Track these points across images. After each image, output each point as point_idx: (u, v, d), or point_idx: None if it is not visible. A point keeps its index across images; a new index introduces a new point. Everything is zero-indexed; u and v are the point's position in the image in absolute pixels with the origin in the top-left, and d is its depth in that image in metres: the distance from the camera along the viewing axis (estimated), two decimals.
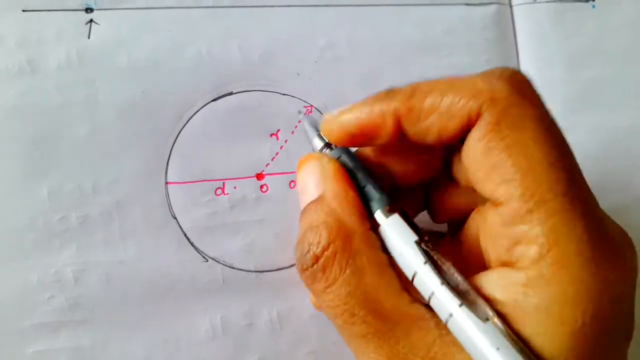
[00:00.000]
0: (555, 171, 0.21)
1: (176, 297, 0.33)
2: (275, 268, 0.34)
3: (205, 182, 0.34)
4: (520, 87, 0.22)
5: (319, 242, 0.24)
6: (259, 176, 0.34)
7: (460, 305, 0.21)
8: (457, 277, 0.22)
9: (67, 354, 0.31)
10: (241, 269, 0.33)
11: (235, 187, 0.34)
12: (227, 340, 0.33)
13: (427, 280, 0.22)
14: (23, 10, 0.33)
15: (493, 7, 0.38)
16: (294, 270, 0.34)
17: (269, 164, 0.34)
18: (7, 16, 0.32)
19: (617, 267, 0.21)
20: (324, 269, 0.24)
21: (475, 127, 0.22)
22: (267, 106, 0.35)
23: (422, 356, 0.22)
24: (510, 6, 0.39)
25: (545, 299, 0.20)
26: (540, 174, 0.21)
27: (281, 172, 0.34)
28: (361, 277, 0.23)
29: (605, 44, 0.39)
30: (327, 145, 0.28)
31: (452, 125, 0.23)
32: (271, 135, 0.35)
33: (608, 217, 0.23)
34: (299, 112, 0.34)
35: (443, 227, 0.31)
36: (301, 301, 0.34)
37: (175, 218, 0.33)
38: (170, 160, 0.33)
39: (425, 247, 0.23)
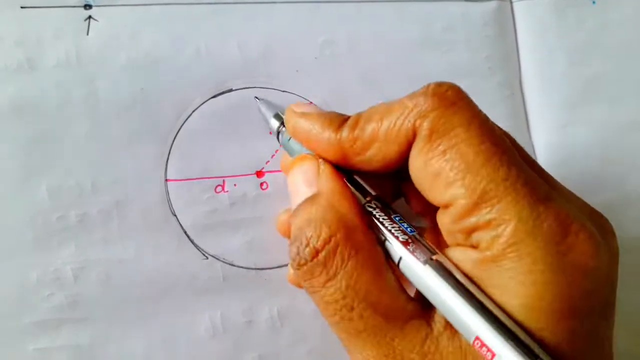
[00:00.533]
0: (492, 163, 0.22)
1: (176, 295, 0.32)
2: (275, 265, 0.34)
3: (205, 179, 0.33)
4: (445, 98, 0.23)
5: (319, 235, 0.24)
6: (259, 173, 0.34)
7: (407, 247, 0.23)
8: (406, 226, 0.24)
9: (67, 351, 0.31)
10: (241, 267, 0.33)
11: (235, 185, 0.34)
12: (227, 338, 0.33)
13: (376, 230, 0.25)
14: (21, 7, 0.32)
15: (493, 4, 0.38)
16: None
17: (269, 161, 0.34)
18: (5, 13, 0.32)
19: (576, 242, 0.21)
20: (325, 262, 0.24)
21: (414, 144, 0.23)
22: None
23: (417, 352, 0.22)
24: (511, 2, 0.39)
25: (508, 269, 0.21)
26: (478, 169, 0.22)
27: (281, 169, 0.34)
28: (362, 270, 0.23)
29: (605, 39, 0.39)
30: (283, 124, 0.30)
31: (393, 150, 0.24)
32: (271, 132, 0.34)
33: (573, 197, 0.25)
34: (255, 97, 0.34)
35: None
36: (302, 298, 0.34)
37: (175, 216, 0.33)
38: (169, 158, 0.33)
39: (368, 208, 0.25)
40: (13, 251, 0.31)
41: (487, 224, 0.21)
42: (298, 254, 0.24)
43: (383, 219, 0.24)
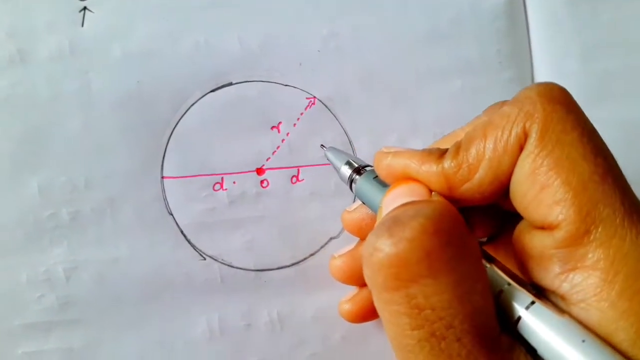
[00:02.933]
0: (607, 184, 0.20)
1: (172, 297, 0.31)
2: (275, 267, 0.33)
3: (203, 176, 0.32)
4: (554, 98, 0.21)
5: (428, 225, 0.19)
6: (259, 171, 0.33)
7: (533, 303, 0.20)
8: (520, 278, 0.21)
9: (58, 355, 0.30)
10: (240, 268, 0.32)
11: (234, 182, 0.33)
12: (225, 342, 0.32)
13: (497, 278, 0.21)
14: None
15: None
16: (295, 269, 0.33)
17: (269, 158, 0.33)
18: None
19: None
20: (431, 254, 0.19)
21: (524, 149, 0.21)
22: (268, 97, 0.33)
23: None
24: None
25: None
26: (594, 190, 0.19)
27: (282, 166, 0.33)
28: (474, 282, 0.19)
29: (621, 35, 0.38)
30: (356, 170, 0.28)
31: (506, 163, 0.21)
32: (272, 127, 0.33)
33: None
34: (321, 145, 0.33)
35: None
36: (303, 301, 0.33)
37: (172, 214, 0.32)
38: (166, 154, 0.32)
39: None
40: (2, 250, 0.30)
41: (595, 264, 0.19)
42: (392, 236, 0.19)
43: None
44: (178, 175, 0.32)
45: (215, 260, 0.32)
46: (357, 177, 0.28)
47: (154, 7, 0.33)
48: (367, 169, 0.28)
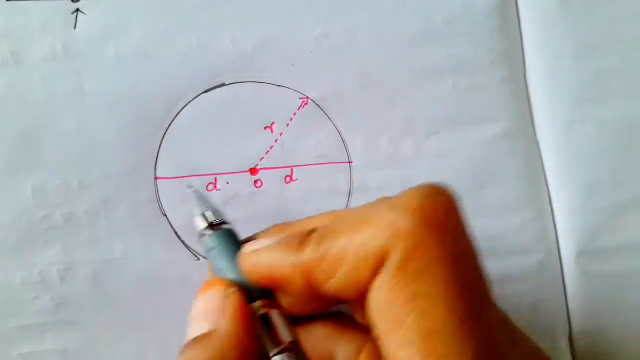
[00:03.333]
0: (463, 334, 0.18)
1: (167, 298, 0.31)
2: None
3: (197, 177, 0.32)
4: (430, 218, 0.19)
5: None
6: (253, 171, 0.33)
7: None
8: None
9: (53, 356, 0.30)
10: None
11: (228, 183, 0.33)
12: None
13: None
14: (7, 0, 0.31)
15: None
16: None
17: (263, 158, 0.33)
18: None
19: None
20: None
21: (382, 270, 0.19)
22: (261, 98, 0.33)
23: None
24: None
25: None
26: (444, 339, 0.18)
27: (276, 166, 0.33)
28: None
29: (615, 32, 0.38)
30: (210, 226, 0.26)
31: (364, 277, 0.19)
32: (265, 128, 0.33)
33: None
34: (188, 186, 0.30)
35: None
36: None
37: (165, 215, 0.32)
38: (159, 155, 0.32)
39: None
40: None
41: None
42: None
43: None
44: (172, 176, 0.32)
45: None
46: (207, 235, 0.26)
47: (147, 9, 0.33)
48: (223, 226, 0.26)
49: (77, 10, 0.32)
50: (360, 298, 0.20)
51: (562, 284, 0.35)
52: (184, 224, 0.32)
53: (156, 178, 0.32)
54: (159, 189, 0.32)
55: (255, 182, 0.33)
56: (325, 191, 0.33)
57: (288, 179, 0.33)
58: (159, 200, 0.32)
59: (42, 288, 0.30)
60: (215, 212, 0.26)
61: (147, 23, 0.33)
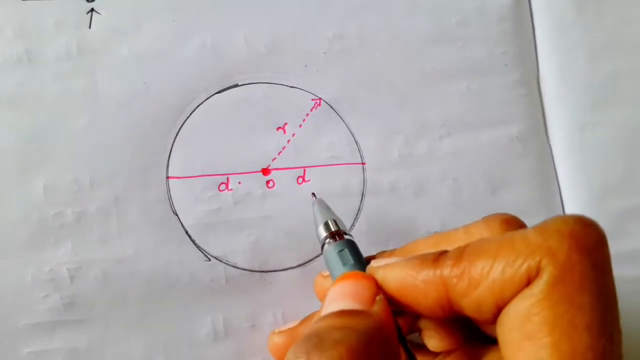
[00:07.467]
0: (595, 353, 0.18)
1: (176, 298, 0.31)
2: (281, 268, 0.32)
3: (208, 177, 0.32)
4: (587, 248, 0.19)
5: (343, 356, 0.19)
6: (265, 171, 0.33)
7: None
8: None
9: (62, 354, 0.30)
10: (245, 269, 0.32)
11: (239, 183, 0.33)
12: (230, 343, 0.31)
13: None
14: None
15: None
16: (300, 270, 0.33)
17: (275, 158, 0.33)
18: (5, 4, 0.32)
19: None
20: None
21: (529, 287, 0.19)
22: (273, 99, 0.33)
23: None
24: None
25: None
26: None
27: (288, 167, 0.33)
28: None
29: (628, 35, 0.37)
30: (332, 236, 0.27)
31: (507, 292, 0.20)
32: (278, 128, 0.33)
33: None
34: (312, 194, 0.33)
35: None
36: (308, 303, 0.32)
37: (176, 214, 0.32)
38: (171, 154, 0.32)
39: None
40: (7, 250, 0.30)
41: None
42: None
43: None
44: (183, 176, 0.32)
45: (220, 261, 0.32)
46: (328, 243, 0.27)
47: (161, 9, 0.33)
48: (345, 236, 0.27)
49: (92, 9, 0.32)
50: (489, 316, 0.21)
51: None
52: (194, 224, 0.32)
53: (168, 177, 0.32)
54: (170, 188, 0.32)
55: (267, 182, 0.33)
56: (337, 192, 0.33)
57: (300, 179, 0.33)
58: (170, 199, 0.32)
59: (52, 286, 0.30)
60: (337, 221, 0.28)
61: (161, 23, 0.33)
